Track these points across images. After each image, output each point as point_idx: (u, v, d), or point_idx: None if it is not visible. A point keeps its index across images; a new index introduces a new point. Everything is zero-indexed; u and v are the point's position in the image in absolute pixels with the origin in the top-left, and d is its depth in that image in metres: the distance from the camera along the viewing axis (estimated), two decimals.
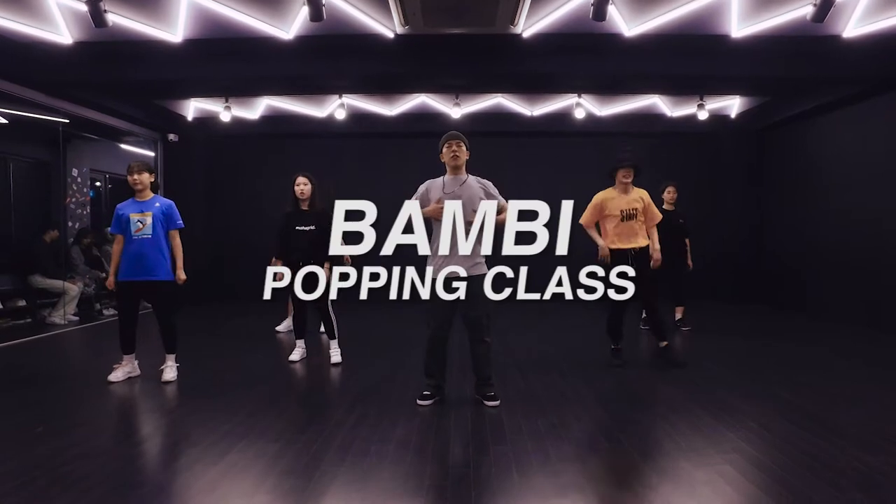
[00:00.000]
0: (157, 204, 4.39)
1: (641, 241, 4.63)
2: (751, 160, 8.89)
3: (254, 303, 8.39)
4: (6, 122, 7.87)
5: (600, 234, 4.77)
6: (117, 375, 4.38)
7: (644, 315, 6.43)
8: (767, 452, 2.97)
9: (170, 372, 4.42)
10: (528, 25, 5.35)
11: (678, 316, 6.53)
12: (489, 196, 3.72)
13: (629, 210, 4.63)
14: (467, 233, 3.41)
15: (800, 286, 7.97)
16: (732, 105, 8.29)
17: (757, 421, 3.45)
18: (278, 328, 6.52)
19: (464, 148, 3.73)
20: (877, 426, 3.31)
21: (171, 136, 8.98)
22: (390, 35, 5.47)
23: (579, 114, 7.63)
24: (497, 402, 3.74)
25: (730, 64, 6.03)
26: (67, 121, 8.10)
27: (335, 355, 4.96)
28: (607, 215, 4.65)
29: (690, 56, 5.96)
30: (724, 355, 5.23)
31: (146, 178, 4.35)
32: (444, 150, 3.75)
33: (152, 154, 9.32)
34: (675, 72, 6.17)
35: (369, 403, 3.84)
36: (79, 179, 9.65)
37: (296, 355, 5.01)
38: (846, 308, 7.03)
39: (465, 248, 3.42)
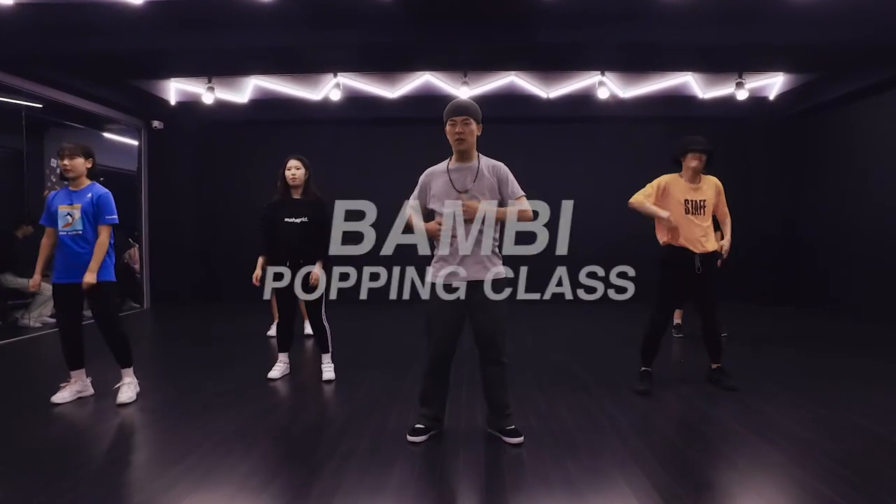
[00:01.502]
0: (89, 195, 3.65)
1: (709, 245, 3.84)
2: (788, 148, 8.07)
3: (242, 303, 7.93)
4: None
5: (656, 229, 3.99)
6: (63, 396, 3.68)
7: (679, 322, 5.70)
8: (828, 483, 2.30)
9: (126, 391, 3.71)
10: None
11: (677, 320, 5.77)
12: (501, 189, 2.96)
13: (697, 201, 3.84)
14: (478, 231, 2.86)
15: (843, 286, 7.18)
16: (773, 85, 7.45)
17: (840, 461, 2.71)
18: (270, 333, 5.82)
19: (472, 125, 2.89)
20: None
21: (156, 124, 8.31)
22: None
23: (602, 94, 6.85)
24: (520, 439, 2.98)
25: (779, 29, 5.23)
26: (40, 105, 7.47)
27: (328, 371, 4.25)
28: (670, 202, 3.84)
29: (733, 22, 5.18)
30: (776, 371, 4.47)
31: (80, 163, 3.62)
32: (448, 127, 2.92)
33: (136, 143, 8.66)
34: (715, 41, 5.39)
35: (360, 435, 3.12)
36: (57, 171, 8.98)
37: (276, 371, 4.28)
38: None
39: (471, 247, 2.88)
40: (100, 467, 2.79)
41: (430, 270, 2.99)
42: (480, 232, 2.89)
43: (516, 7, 4.85)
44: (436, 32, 5.34)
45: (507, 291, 2.99)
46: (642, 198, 3.88)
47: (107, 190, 3.78)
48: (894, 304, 6.31)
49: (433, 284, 2.97)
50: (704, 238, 3.83)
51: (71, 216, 3.60)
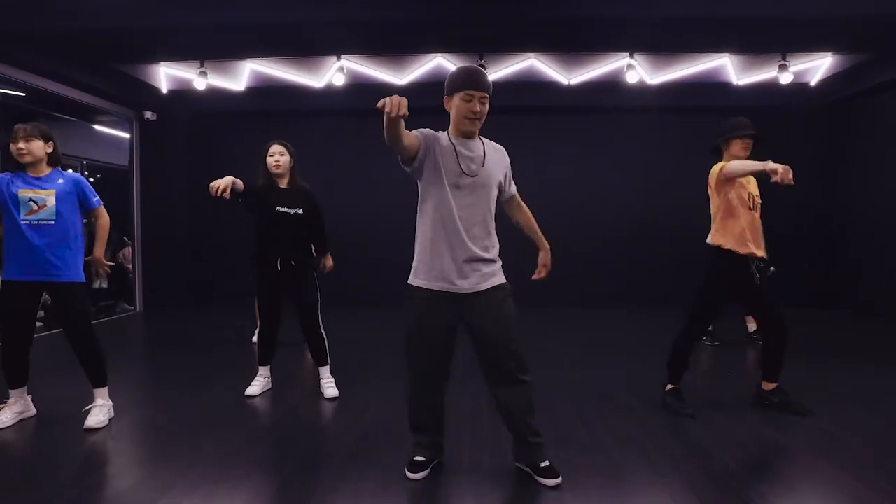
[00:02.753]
0: (61, 181, 3.16)
1: (763, 248, 3.28)
2: (831, 138, 7.45)
3: (237, 303, 7.39)
4: None
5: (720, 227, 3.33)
6: (4, 419, 3.14)
7: (754, 329, 5.19)
8: None
9: (98, 414, 3.16)
10: None
11: (753, 327, 5.26)
12: (507, 171, 2.54)
13: (755, 196, 3.28)
14: (477, 224, 2.37)
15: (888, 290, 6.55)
16: (816, 69, 6.81)
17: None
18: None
19: (488, 104, 2.36)
20: None
21: (148, 115, 7.78)
22: None
23: (632, 77, 6.25)
24: (558, 480, 2.40)
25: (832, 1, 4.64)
26: (23, 94, 6.97)
27: (329, 387, 3.71)
28: (736, 192, 3.22)
29: None
30: (844, 385, 3.87)
31: (38, 146, 3.08)
32: (459, 101, 2.34)
33: (128, 136, 8.14)
34: (759, 12, 4.79)
35: (362, 465, 2.57)
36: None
37: (255, 387, 3.72)
38: None
39: (473, 248, 2.35)
40: None
41: (415, 281, 2.41)
42: (479, 226, 2.37)
43: None
44: (450, 6, 4.79)
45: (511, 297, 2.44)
46: (736, 163, 3.13)
47: (76, 174, 3.31)
48: None
49: (421, 298, 2.38)
50: (761, 241, 3.28)
51: (36, 203, 3.07)
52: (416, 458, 2.51)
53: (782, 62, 6.11)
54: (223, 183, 3.25)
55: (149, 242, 7.96)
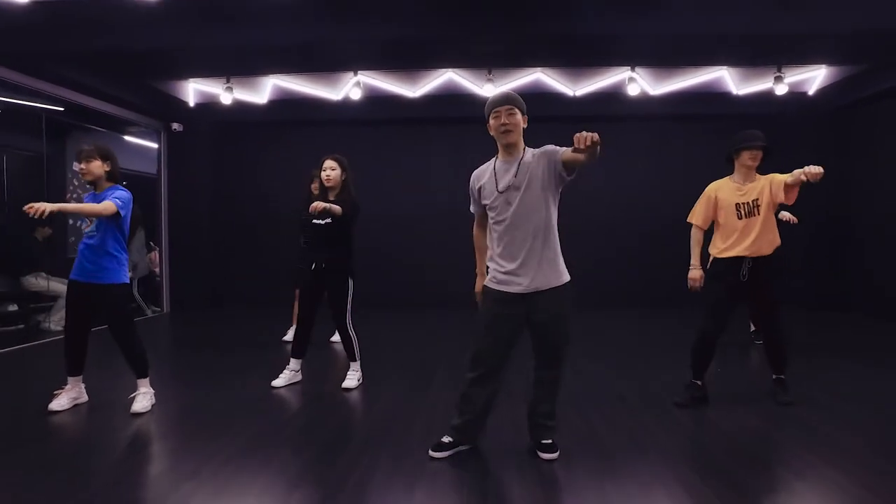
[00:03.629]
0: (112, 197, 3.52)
1: (764, 248, 3.51)
2: (831, 145, 7.66)
3: (259, 307, 7.82)
4: None
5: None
6: (61, 403, 3.55)
7: (755, 329, 5.42)
8: None
9: (142, 400, 3.57)
10: None
11: (753, 327, 5.49)
12: (550, 161, 2.64)
13: (749, 203, 3.51)
14: (533, 235, 2.61)
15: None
16: (813, 79, 7.06)
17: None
18: (286, 338, 5.66)
19: (518, 116, 2.66)
20: None
21: (175, 126, 8.24)
22: None
23: (633, 90, 6.56)
24: (555, 455, 2.75)
25: (825, 15, 4.90)
26: (62, 108, 7.44)
27: (352, 379, 4.06)
28: (722, 211, 3.56)
29: (774, 9, 4.86)
30: (833, 382, 4.13)
31: (97, 166, 3.47)
32: (492, 121, 2.68)
33: (156, 146, 8.61)
34: (754, 30, 5.07)
35: (380, 450, 2.90)
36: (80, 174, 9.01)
37: (281, 379, 4.09)
38: None
39: (529, 252, 2.63)
40: (114, 479, 2.62)
41: (487, 280, 2.77)
42: (542, 230, 2.64)
43: None
44: (460, 24, 5.12)
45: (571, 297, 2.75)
46: (694, 220, 3.69)
47: (128, 192, 3.60)
48: None
49: (491, 296, 2.72)
50: (758, 241, 3.48)
51: (89, 219, 3.50)
52: (444, 440, 2.82)
53: (778, 74, 6.38)
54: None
55: (175, 247, 8.40)
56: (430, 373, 4.38)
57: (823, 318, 7.02)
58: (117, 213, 3.41)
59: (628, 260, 8.10)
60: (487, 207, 2.73)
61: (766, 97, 7.13)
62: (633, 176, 8.16)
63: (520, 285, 2.63)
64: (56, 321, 6.92)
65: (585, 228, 7.93)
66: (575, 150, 2.40)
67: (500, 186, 2.66)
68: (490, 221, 2.74)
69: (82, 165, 3.46)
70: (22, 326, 7.08)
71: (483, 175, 2.76)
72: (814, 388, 3.93)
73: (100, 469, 2.73)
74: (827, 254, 7.76)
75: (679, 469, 2.65)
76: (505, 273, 2.66)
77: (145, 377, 3.64)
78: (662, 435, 3.11)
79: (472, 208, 2.87)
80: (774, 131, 7.71)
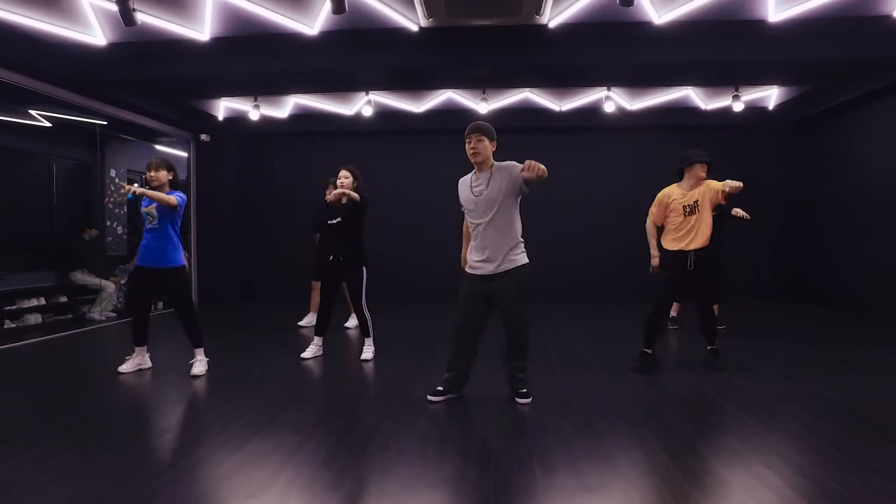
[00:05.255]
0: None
1: (703, 240, 4.35)
2: (792, 154, 8.55)
3: (279, 301, 8.67)
4: (49, 124, 8.17)
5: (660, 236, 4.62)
6: (127, 367, 4.45)
7: (673, 315, 6.22)
8: (807, 455, 2.80)
9: (199, 366, 4.44)
10: (554, 15, 5.23)
11: (673, 313, 6.26)
12: (511, 175, 3.45)
13: (691, 204, 4.35)
14: (500, 231, 3.47)
15: (852, 285, 7.60)
16: (770, 96, 7.95)
17: (798, 422, 3.27)
18: (301, 323, 6.55)
19: (485, 142, 3.47)
20: None
21: (203, 137, 9.15)
22: (414, 28, 5.43)
23: (609, 107, 7.44)
24: (528, 400, 3.62)
25: (766, 50, 5.78)
26: (105, 122, 8.35)
27: (367, 352, 4.90)
28: (672, 211, 4.42)
29: (724, 43, 5.73)
30: (764, 356, 4.99)
31: (163, 175, 4.37)
32: (466, 144, 3.54)
33: (185, 154, 9.52)
34: (708, 60, 5.95)
35: (391, 399, 3.79)
36: (117, 180, 9.93)
37: (309, 352, 4.94)
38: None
39: (494, 244, 3.46)
40: (187, 420, 3.54)
41: (466, 266, 3.67)
42: (506, 227, 3.48)
43: (526, 32, 5.48)
44: (457, 56, 6.00)
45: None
46: (651, 223, 4.58)
47: (183, 194, 4.47)
48: None
49: (466, 274, 3.63)
50: (697, 235, 4.33)
51: (150, 216, 4.33)
52: (438, 388, 3.70)
53: (735, 93, 7.25)
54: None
55: (203, 245, 9.32)
56: (432, 351, 5.22)
57: (785, 309, 7.87)
58: (175, 206, 4.28)
59: (605, 258, 8.83)
60: (465, 210, 3.63)
61: (732, 112, 8.00)
62: (612, 180, 8.96)
63: (488, 270, 3.50)
64: (98, 312, 7.82)
65: (565, 228, 8.74)
66: (524, 171, 3.24)
67: (475, 193, 3.53)
68: (468, 221, 3.63)
69: (151, 173, 4.32)
70: (70, 316, 7.97)
71: (462, 185, 3.65)
72: (747, 359, 4.82)
73: (167, 415, 3.64)
74: (791, 251, 8.61)
75: (626, 412, 3.54)
76: (478, 261, 3.55)
77: (201, 346, 4.49)
78: (617, 391, 3.96)
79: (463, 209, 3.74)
80: (744, 141, 8.65)
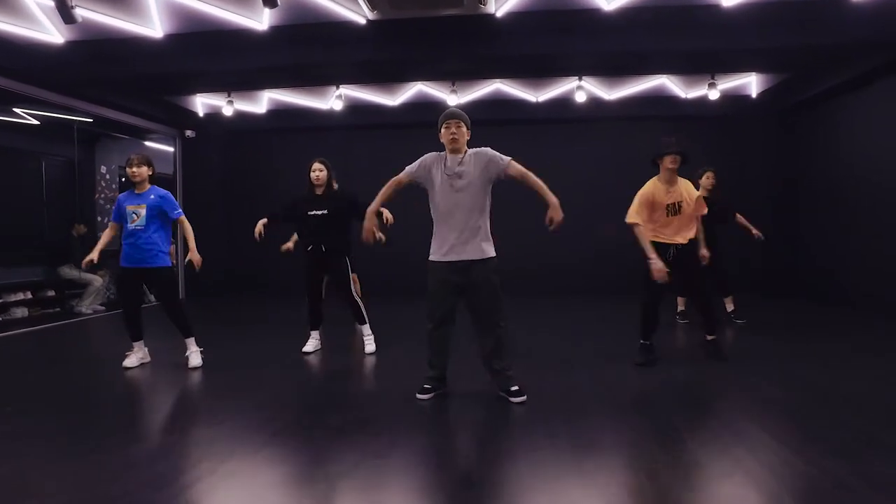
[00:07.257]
0: (153, 196, 4.38)
1: (683, 237, 4.25)
2: (776, 142, 8.27)
3: (266, 293, 8.76)
4: (37, 122, 8.40)
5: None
6: (131, 362, 4.49)
7: (681, 309, 6.08)
8: (793, 445, 2.77)
9: (195, 357, 4.47)
10: (501, 5, 5.15)
11: (730, 307, 6.05)
12: (490, 164, 3.39)
13: (675, 204, 4.22)
14: (470, 215, 3.36)
15: (840, 278, 7.36)
16: (751, 83, 7.70)
17: (788, 413, 3.26)
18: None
19: (464, 129, 3.42)
20: None
21: (189, 133, 9.29)
22: (362, 21, 5.40)
23: (580, 97, 7.29)
24: (524, 398, 3.42)
25: (729, 36, 5.59)
26: (90, 120, 8.55)
27: (369, 343, 4.83)
28: (656, 210, 4.23)
29: (685, 30, 5.57)
30: (766, 350, 4.81)
31: (145, 171, 4.36)
32: (443, 130, 3.43)
33: (171, 150, 9.69)
34: (670, 47, 5.78)
35: (392, 392, 3.75)
36: (107, 176, 10.16)
37: (309, 346, 4.89)
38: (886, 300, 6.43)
39: (469, 230, 3.35)
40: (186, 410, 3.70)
41: (431, 256, 3.48)
42: (477, 212, 3.37)
43: (475, 23, 5.38)
44: (412, 48, 5.94)
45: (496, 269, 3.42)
46: (639, 221, 4.15)
47: (167, 191, 4.51)
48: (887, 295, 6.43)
49: (435, 267, 3.45)
50: (680, 232, 4.25)
51: (136, 214, 4.31)
52: (425, 386, 3.56)
53: (711, 81, 7.04)
54: (257, 230, 4.57)
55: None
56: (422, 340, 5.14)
57: (773, 303, 7.62)
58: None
59: (585, 248, 8.63)
60: (433, 192, 3.43)
61: (713, 100, 7.79)
62: (593, 171, 8.75)
63: (458, 256, 3.34)
64: (86, 306, 8.01)
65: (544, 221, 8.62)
66: (549, 219, 3.32)
67: (448, 172, 3.37)
68: (434, 205, 3.43)
69: (133, 169, 4.30)
70: (58, 309, 8.19)
71: (436, 162, 3.44)
72: (738, 352, 4.67)
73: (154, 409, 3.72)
74: (778, 245, 8.36)
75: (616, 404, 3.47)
76: (448, 246, 3.36)
77: (192, 336, 4.50)
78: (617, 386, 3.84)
79: (408, 169, 3.49)
80: (725, 130, 8.40)
